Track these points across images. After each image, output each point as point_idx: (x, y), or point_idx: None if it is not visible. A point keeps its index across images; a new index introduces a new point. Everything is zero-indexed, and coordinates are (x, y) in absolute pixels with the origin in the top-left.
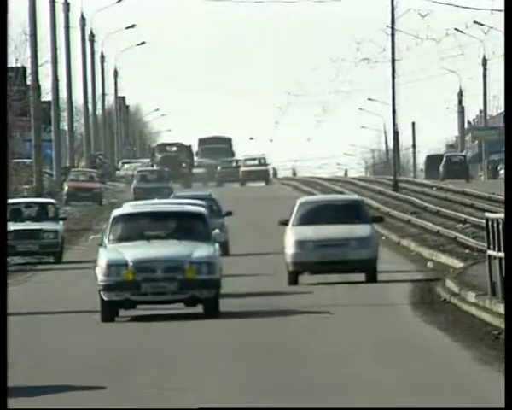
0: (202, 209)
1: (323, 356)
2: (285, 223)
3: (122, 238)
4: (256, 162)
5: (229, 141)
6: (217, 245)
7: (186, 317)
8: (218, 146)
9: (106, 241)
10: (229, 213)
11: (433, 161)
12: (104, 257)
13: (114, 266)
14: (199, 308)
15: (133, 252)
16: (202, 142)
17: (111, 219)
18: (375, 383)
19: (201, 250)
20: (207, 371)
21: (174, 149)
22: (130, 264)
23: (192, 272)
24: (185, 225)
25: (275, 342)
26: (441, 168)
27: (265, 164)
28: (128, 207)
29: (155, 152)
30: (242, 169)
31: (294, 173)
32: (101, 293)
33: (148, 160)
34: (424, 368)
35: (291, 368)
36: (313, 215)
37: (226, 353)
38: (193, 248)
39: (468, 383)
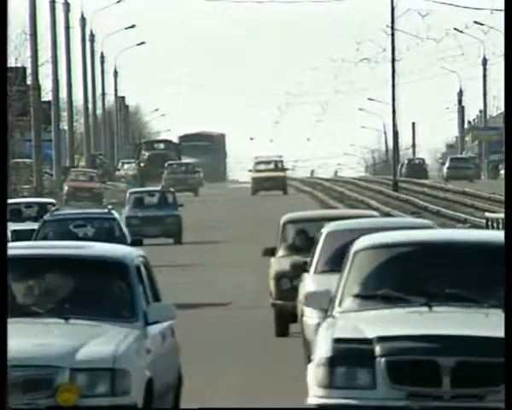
0: (127, 252)
1: None
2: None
3: None
4: (271, 167)
5: (214, 138)
6: (154, 329)
7: None
8: (202, 144)
9: None
10: (139, 242)
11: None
12: None
13: None
14: None
15: None
16: (184, 139)
17: None
18: None
19: (105, 341)
20: None
21: (162, 146)
22: None
23: (74, 390)
24: (84, 289)
25: None
26: (403, 169)
27: (283, 169)
28: None
29: (142, 150)
30: (253, 175)
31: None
32: None
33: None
34: None
35: None
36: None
37: None
38: (89, 336)
39: None
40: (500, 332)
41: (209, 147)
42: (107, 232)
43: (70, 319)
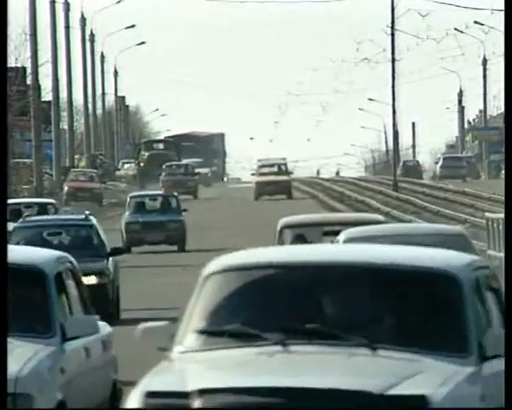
0: (47, 258)
1: None
2: None
3: None
4: (275, 169)
5: (201, 139)
6: (73, 345)
7: None
8: (190, 144)
9: None
10: (123, 251)
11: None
12: None
13: None
14: None
15: None
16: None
17: None
18: None
19: (9, 361)
20: None
21: (161, 146)
22: None
23: None
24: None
25: None
26: (399, 170)
27: (287, 172)
28: None
29: (141, 150)
30: (256, 179)
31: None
32: None
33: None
34: None
35: None
36: None
37: None
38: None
39: None
40: (355, 382)
41: (199, 148)
42: (84, 240)
43: None
